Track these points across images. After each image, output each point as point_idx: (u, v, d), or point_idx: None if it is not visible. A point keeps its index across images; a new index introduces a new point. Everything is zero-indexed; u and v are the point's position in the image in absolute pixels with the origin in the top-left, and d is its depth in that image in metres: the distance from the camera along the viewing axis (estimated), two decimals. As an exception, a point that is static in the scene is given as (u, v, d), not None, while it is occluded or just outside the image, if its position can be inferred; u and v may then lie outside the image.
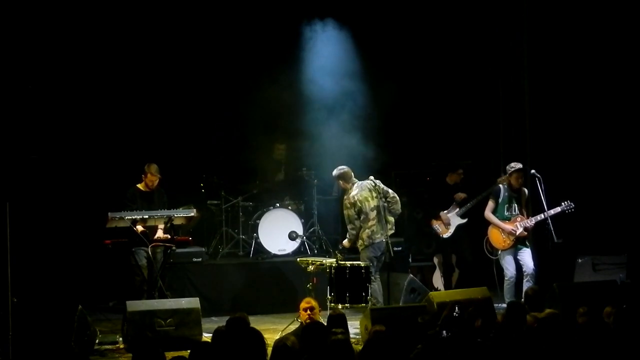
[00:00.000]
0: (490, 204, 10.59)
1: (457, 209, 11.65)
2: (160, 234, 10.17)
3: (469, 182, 11.90)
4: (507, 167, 10.51)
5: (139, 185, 10.41)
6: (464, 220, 11.63)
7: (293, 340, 6.21)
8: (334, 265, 9.62)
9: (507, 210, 10.51)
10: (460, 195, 11.71)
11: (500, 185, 10.60)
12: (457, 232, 11.66)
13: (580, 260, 11.55)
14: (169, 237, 10.19)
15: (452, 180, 11.86)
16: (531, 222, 10.36)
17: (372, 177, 10.14)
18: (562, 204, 10.29)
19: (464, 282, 11.54)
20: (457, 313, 7.34)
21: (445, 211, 11.65)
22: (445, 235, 11.68)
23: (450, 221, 11.65)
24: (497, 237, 10.52)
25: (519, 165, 10.45)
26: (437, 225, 11.67)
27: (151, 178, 10.32)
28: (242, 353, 6.19)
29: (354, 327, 9.18)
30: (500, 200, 10.52)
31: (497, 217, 10.49)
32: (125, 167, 11.19)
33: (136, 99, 12.00)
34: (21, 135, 11.02)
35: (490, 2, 12.39)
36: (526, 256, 10.37)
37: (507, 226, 10.43)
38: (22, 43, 11.06)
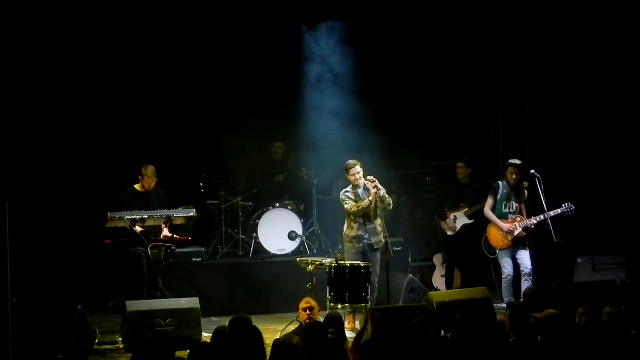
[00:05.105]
0: (489, 201, 10.59)
1: (466, 209, 11.58)
2: (166, 232, 10.19)
3: (478, 177, 11.84)
4: (507, 162, 10.56)
5: (136, 186, 10.39)
6: (471, 221, 11.53)
7: (297, 339, 6.20)
8: (333, 265, 9.62)
9: (505, 207, 10.50)
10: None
11: (500, 182, 10.61)
12: (462, 231, 11.60)
13: (580, 260, 11.53)
14: (177, 236, 10.21)
15: (460, 176, 11.75)
16: (531, 222, 10.35)
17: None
18: (563, 205, 10.28)
19: (465, 282, 11.53)
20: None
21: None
22: (450, 233, 11.61)
23: (457, 220, 11.56)
24: (495, 236, 10.52)
25: (515, 160, 10.44)
26: (444, 222, 11.58)
27: (147, 180, 10.31)
28: (242, 353, 6.18)
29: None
30: (499, 196, 10.52)
31: (495, 213, 10.50)
32: (125, 168, 11.17)
33: (136, 99, 11.99)
34: (21, 135, 11.02)
35: (490, 2, 12.38)
36: (524, 256, 10.39)
37: (506, 225, 10.42)
38: (22, 43, 11.05)
